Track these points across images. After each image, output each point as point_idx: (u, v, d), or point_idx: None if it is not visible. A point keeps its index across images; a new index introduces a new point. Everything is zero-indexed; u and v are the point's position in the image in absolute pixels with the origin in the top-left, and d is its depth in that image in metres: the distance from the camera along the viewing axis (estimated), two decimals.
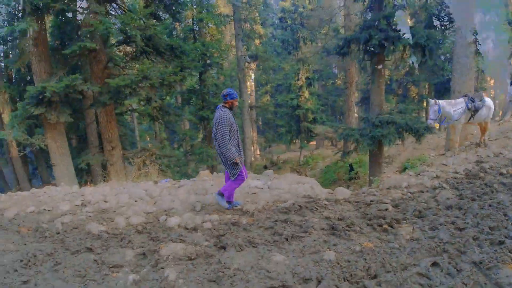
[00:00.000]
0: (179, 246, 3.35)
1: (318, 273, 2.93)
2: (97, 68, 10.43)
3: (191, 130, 20.60)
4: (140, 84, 9.71)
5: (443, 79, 17.59)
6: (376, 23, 11.59)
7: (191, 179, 7.32)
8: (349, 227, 3.95)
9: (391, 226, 3.92)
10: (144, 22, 10.51)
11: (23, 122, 9.25)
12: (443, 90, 16.91)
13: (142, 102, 11.01)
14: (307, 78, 21.38)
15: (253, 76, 28.02)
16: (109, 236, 3.76)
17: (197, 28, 16.80)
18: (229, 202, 4.88)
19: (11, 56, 12.81)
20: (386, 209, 4.46)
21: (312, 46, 22.14)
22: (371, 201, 4.89)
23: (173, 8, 11.51)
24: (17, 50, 10.93)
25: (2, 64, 14.14)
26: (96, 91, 9.92)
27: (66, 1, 8.36)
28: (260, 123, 33.53)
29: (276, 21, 26.55)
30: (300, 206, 4.73)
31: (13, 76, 14.31)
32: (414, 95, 23.08)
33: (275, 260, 3.19)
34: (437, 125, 8.90)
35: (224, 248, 3.48)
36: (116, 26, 9.96)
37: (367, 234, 3.81)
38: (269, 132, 27.87)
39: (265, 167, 22.07)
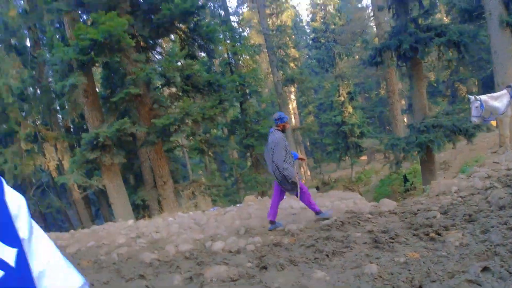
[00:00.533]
0: (223, 268, 3.52)
1: (359, 287, 2.92)
2: (144, 111, 11.34)
3: (239, 159, 21.14)
4: (183, 121, 10.38)
5: (489, 73, 16.52)
6: (404, 28, 11.42)
7: (237, 205, 7.54)
8: (393, 239, 3.85)
9: (439, 234, 3.76)
10: (182, 64, 11.38)
11: (81, 166, 10.24)
12: (492, 84, 15.89)
13: (187, 137, 11.68)
14: (348, 93, 21.21)
15: (293, 98, 28.35)
16: (159, 263, 4.05)
17: (233, 61, 17.64)
18: (317, 213, 5.07)
19: (66, 107, 14.37)
20: (434, 217, 4.28)
21: (348, 60, 22.08)
22: (418, 210, 4.71)
23: (207, 46, 12.27)
24: (70, 102, 12.30)
25: (60, 115, 15.88)
26: (144, 131, 10.73)
27: (108, 54, 9.35)
28: (308, 144, 33.45)
29: (310, 42, 26.97)
30: (342, 222, 4.71)
31: (70, 125, 15.99)
32: (464, 93, 21.78)
33: (316, 277, 3.22)
34: (494, 122, 8.36)
35: (265, 268, 3.58)
36: (158, 70, 10.84)
37: (412, 244, 3.69)
38: (317, 152, 27.65)
39: (317, 188, 21.74)
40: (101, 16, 8.91)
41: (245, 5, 21.81)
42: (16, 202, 0.61)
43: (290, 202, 6.50)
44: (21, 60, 13.07)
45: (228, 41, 17.20)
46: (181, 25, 11.58)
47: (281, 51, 20.02)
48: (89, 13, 11.21)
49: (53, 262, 0.60)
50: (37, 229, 0.63)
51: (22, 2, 14.47)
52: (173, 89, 12.46)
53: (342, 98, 21.10)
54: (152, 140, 10.67)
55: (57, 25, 13.64)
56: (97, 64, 11.56)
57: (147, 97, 11.26)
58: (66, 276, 0.60)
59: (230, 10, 19.89)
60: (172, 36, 13.12)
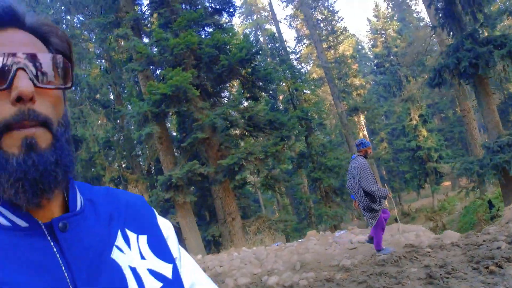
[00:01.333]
0: None
1: None
2: (212, 152, 12.31)
3: (311, 192, 21.10)
4: (247, 160, 11.04)
5: None
6: (461, 44, 10.85)
7: (299, 240, 7.69)
8: (449, 274, 3.71)
9: (500, 267, 3.54)
10: (244, 106, 12.29)
11: (158, 205, 11.36)
12: None
13: (253, 174, 12.28)
14: (420, 115, 20.18)
15: (364, 126, 27.77)
16: None
17: (295, 97, 18.26)
18: (378, 250, 5.01)
19: (142, 154, 16.15)
20: (498, 248, 4.00)
21: (416, 82, 21.21)
22: (484, 241, 4.42)
23: (266, 87, 13.06)
24: (147, 148, 13.86)
25: (140, 160, 17.84)
26: (212, 171, 11.61)
27: (177, 105, 10.58)
28: (384, 173, 31.93)
29: (374, 68, 26.63)
30: (398, 256, 4.62)
31: (150, 168, 17.83)
32: None
33: None
34: None
35: None
36: (221, 115, 11.82)
37: (469, 279, 3.53)
38: (395, 180, 26.21)
39: (396, 220, 20.48)
40: (169, 72, 10.27)
41: (303, 42, 22.71)
42: (166, 226, 0.71)
43: (350, 236, 6.48)
44: (105, 113, 15.24)
45: (289, 79, 17.97)
46: (241, 70, 12.61)
47: (342, 81, 20.12)
48: (159, 70, 12.94)
49: (199, 277, 0.68)
50: (182, 250, 0.71)
51: (104, 61, 17.07)
52: (238, 131, 13.36)
53: (414, 122, 20.11)
54: (219, 179, 11.48)
55: (136, 79, 15.82)
56: (170, 113, 13.05)
57: (214, 140, 12.26)
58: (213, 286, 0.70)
59: (289, 49, 20.82)
60: (234, 82, 14.28)
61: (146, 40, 13.72)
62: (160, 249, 0.64)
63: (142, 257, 0.60)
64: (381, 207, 4.90)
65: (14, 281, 0.45)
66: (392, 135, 26.86)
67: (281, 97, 19.69)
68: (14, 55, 0.48)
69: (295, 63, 19.90)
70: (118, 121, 16.06)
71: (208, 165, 11.83)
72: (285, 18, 22.59)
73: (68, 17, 15.50)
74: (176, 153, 13.60)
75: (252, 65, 12.20)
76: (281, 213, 24.69)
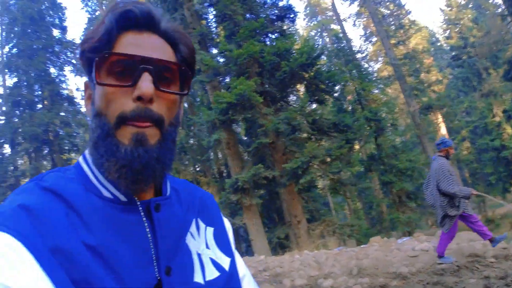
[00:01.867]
0: None
1: None
2: (277, 156, 12.74)
3: (384, 196, 20.34)
4: (310, 164, 11.26)
5: None
6: None
7: (362, 245, 7.70)
8: (508, 286, 3.57)
9: None
10: (307, 110, 12.53)
11: (226, 206, 12.12)
12: None
13: (319, 178, 12.44)
14: (504, 111, 18.16)
15: (442, 124, 25.81)
16: None
17: (362, 97, 17.83)
18: (440, 257, 4.85)
19: (211, 159, 17.20)
20: None
21: (498, 74, 19.08)
22: None
23: (330, 90, 13.09)
24: (216, 153, 14.77)
25: (212, 165, 19.00)
26: (277, 175, 12.04)
27: (242, 112, 11.23)
28: (467, 175, 29.23)
29: (451, 61, 24.59)
30: (458, 266, 4.50)
31: (218, 172, 18.91)
32: None
33: None
34: None
35: None
36: (285, 120, 12.18)
37: None
38: (479, 184, 23.89)
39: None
40: (233, 82, 10.96)
41: (369, 40, 21.97)
42: (228, 224, 0.77)
43: (414, 243, 6.38)
44: (181, 125, 16.71)
45: (355, 79, 17.63)
46: (304, 74, 12.82)
47: (414, 78, 19.00)
48: (225, 80, 13.78)
49: (247, 273, 0.74)
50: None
51: None
52: (302, 134, 13.61)
53: (497, 118, 18.19)
54: (284, 182, 11.87)
55: (205, 89, 17.01)
56: (239, 119, 13.82)
57: (279, 144, 12.68)
58: (254, 284, 0.76)
59: (356, 48, 20.35)
60: (299, 86, 14.53)
61: (215, 50, 14.79)
62: (223, 242, 0.71)
63: (207, 246, 0.67)
64: (459, 212, 4.54)
65: (110, 247, 0.52)
66: (474, 133, 24.51)
67: (350, 97, 19.34)
68: (144, 57, 0.55)
69: (363, 62, 19.35)
70: (192, 127, 17.43)
71: (273, 168, 12.29)
72: (349, 17, 22.08)
73: None
74: (244, 157, 14.35)
75: (314, 68, 12.35)
76: (352, 217, 24.16)
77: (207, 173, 18.27)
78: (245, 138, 18.65)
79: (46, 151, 22.04)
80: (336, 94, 17.42)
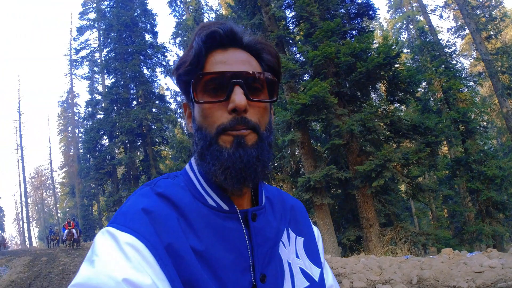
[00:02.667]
0: None
1: None
2: (352, 157, 12.77)
3: (467, 205, 18.86)
4: (384, 167, 11.12)
5: None
6: None
7: (431, 256, 7.56)
8: None
9: None
10: (384, 111, 12.32)
11: None
12: None
13: (387, 182, 12.19)
14: None
15: None
16: None
17: (450, 96, 16.69)
18: None
19: (285, 157, 17.67)
20: None
21: None
22: None
23: (410, 90, 12.63)
24: (289, 152, 15.21)
25: (287, 162, 19.51)
26: (350, 176, 12.12)
27: (316, 113, 11.51)
28: None
29: None
30: None
31: (294, 170, 19.37)
32: None
33: None
34: None
35: None
36: (359, 121, 12.15)
37: None
38: None
39: None
40: (308, 83, 11.32)
41: (457, 34, 20.18)
42: (317, 234, 0.80)
43: (483, 259, 6.17)
44: None
45: (441, 76, 16.56)
46: (382, 74, 12.57)
47: (508, 75, 17.00)
48: (302, 80, 14.15)
49: (334, 282, 0.77)
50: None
51: None
52: (379, 136, 13.37)
53: None
54: (356, 184, 11.92)
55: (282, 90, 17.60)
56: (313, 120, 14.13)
57: (353, 145, 12.69)
58: None
59: (443, 42, 18.95)
60: (380, 85, 14.21)
61: (294, 49, 15.24)
62: (312, 253, 0.73)
63: (297, 256, 0.69)
64: None
65: (214, 253, 0.58)
66: None
67: (439, 95, 18.16)
68: (233, 72, 0.61)
69: (451, 57, 17.96)
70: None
71: (346, 170, 12.39)
72: (435, 8, 20.60)
73: None
74: (320, 156, 14.64)
75: (393, 68, 12.04)
76: (433, 225, 22.68)
77: (282, 170, 18.91)
78: (323, 136, 18.82)
79: (139, 143, 24.91)
80: (419, 93, 16.62)
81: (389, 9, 28.79)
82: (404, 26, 27.38)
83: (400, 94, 13.06)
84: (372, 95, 14.65)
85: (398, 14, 27.83)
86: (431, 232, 12.33)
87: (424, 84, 17.48)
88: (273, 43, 13.34)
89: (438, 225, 21.91)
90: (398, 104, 14.30)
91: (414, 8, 23.90)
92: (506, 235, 15.01)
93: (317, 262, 0.73)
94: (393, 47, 11.89)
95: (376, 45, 13.50)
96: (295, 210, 0.78)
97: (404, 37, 28.23)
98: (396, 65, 12.15)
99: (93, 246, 0.54)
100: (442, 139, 12.91)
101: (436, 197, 19.25)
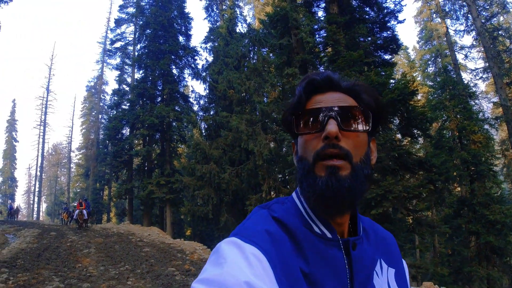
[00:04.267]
0: None
1: None
2: None
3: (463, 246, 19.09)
4: (384, 197, 11.75)
5: None
6: None
7: (412, 287, 8.16)
8: None
9: None
10: (392, 144, 12.94)
11: None
12: None
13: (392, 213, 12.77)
14: None
15: None
16: None
17: (463, 137, 17.12)
18: None
19: (292, 174, 18.44)
20: None
21: None
22: None
23: (421, 126, 13.21)
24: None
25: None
26: None
27: None
28: None
29: None
30: None
31: (295, 187, 20.13)
32: None
33: None
34: None
35: None
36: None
37: None
38: None
39: None
40: None
41: (481, 76, 20.49)
42: (406, 265, 0.85)
43: None
44: (272, 135, 18.33)
45: (457, 116, 17.02)
46: (397, 108, 13.15)
47: None
48: None
49: None
50: None
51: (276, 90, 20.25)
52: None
53: None
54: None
55: None
56: None
57: None
58: None
59: (467, 81, 19.39)
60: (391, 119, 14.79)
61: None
62: (402, 284, 0.78)
63: (389, 286, 0.74)
64: None
65: (320, 277, 0.64)
66: None
67: (453, 134, 18.56)
68: (328, 108, 0.68)
69: (471, 98, 18.38)
70: (285, 143, 19.07)
71: None
72: (460, 49, 21.02)
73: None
74: None
75: (407, 104, 12.63)
76: (435, 261, 22.81)
77: (290, 184, 19.63)
78: None
79: (158, 137, 25.99)
80: (433, 130, 17.05)
81: (419, 39, 29.23)
82: (433, 59, 27.78)
83: (412, 129, 13.64)
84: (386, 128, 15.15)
85: (428, 47, 28.26)
86: (423, 265, 12.81)
87: (440, 121, 17.96)
88: (296, 65, 14.21)
89: (439, 261, 22.08)
90: (409, 139, 14.83)
91: (444, 43, 24.34)
92: (503, 281, 15.25)
93: None
94: (409, 84, 12.54)
95: (395, 79, 14.09)
96: (387, 241, 0.82)
97: (431, 69, 28.63)
98: (411, 102, 12.73)
99: (218, 251, 0.61)
100: (447, 178, 13.37)
101: (442, 234, 19.52)
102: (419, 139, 15.31)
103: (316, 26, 14.89)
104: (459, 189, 20.26)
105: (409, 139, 15.06)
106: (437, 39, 26.10)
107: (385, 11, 14.52)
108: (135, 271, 8.83)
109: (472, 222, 15.60)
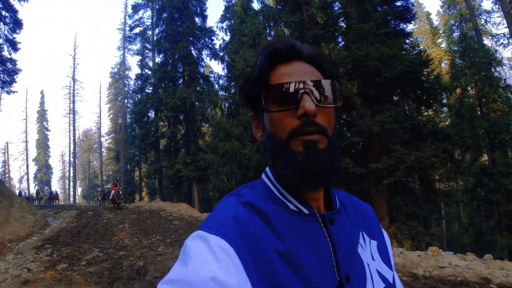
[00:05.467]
0: None
1: None
2: (372, 154, 13.86)
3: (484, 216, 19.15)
4: (396, 167, 12.22)
5: None
6: None
7: (417, 251, 8.77)
8: None
9: None
10: (404, 114, 13.24)
11: None
12: None
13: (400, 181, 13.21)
14: None
15: None
16: None
17: (483, 105, 17.02)
18: None
19: None
20: None
21: None
22: None
23: (435, 97, 13.36)
24: None
25: None
26: (364, 172, 13.32)
27: (341, 112, 12.72)
28: None
29: None
30: None
31: None
32: None
33: None
34: None
35: None
36: (378, 123, 13.17)
37: None
38: None
39: None
40: None
41: (502, 43, 19.81)
42: (387, 237, 0.83)
43: (453, 258, 7.24)
44: None
45: (478, 84, 16.86)
46: (410, 79, 13.32)
47: None
48: None
49: (400, 285, 0.79)
50: None
51: None
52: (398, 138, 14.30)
53: None
54: (370, 180, 13.13)
55: None
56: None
57: (374, 144, 13.74)
58: None
59: (492, 45, 18.95)
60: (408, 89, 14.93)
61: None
62: (385, 256, 0.79)
63: (373, 258, 0.75)
64: None
65: (298, 254, 0.63)
66: None
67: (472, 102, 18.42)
68: (303, 82, 0.66)
69: (490, 65, 18.03)
70: None
71: (363, 166, 13.57)
72: (480, 15, 20.37)
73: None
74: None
75: (420, 75, 12.78)
76: (460, 231, 23.08)
77: None
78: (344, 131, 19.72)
79: (182, 118, 27.14)
80: (454, 99, 17.01)
81: (443, 4, 28.31)
82: (457, 24, 26.97)
83: (427, 100, 13.83)
84: (399, 99, 15.30)
85: (452, 11, 27.40)
86: (438, 233, 13.29)
87: (460, 89, 17.87)
88: (309, 40, 14.55)
89: (463, 232, 22.31)
90: (425, 109, 14.98)
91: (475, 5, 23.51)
92: None
93: (389, 265, 0.78)
94: (422, 55, 12.67)
95: (410, 50, 14.12)
96: (367, 213, 0.83)
97: (456, 35, 27.80)
98: (426, 71, 12.83)
99: (185, 248, 0.61)
100: (466, 147, 13.55)
101: (466, 205, 19.68)
102: (443, 108, 15.39)
103: (328, 1, 15.01)
104: (485, 157, 20.20)
105: (425, 109, 15.22)
106: (460, 2, 25.25)
107: None
108: (165, 240, 9.92)
109: (492, 192, 15.73)
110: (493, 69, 17.54)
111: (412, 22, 15.78)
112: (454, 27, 27.50)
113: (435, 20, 33.14)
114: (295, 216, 0.68)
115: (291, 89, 0.66)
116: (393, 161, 12.09)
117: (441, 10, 29.89)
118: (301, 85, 0.66)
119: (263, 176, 0.76)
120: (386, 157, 12.55)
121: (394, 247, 10.57)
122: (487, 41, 22.12)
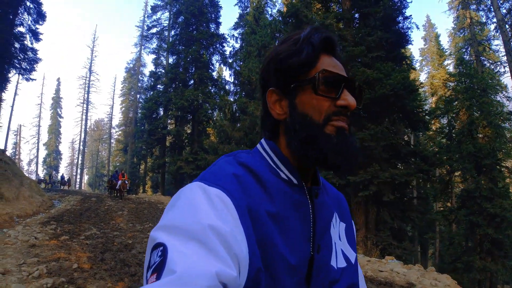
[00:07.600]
0: None
1: None
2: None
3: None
4: (371, 182, 13.69)
5: None
6: None
7: (375, 259, 10.24)
8: None
9: None
10: (392, 133, 14.60)
11: None
12: None
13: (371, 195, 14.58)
14: None
15: None
16: None
17: (474, 130, 18.14)
18: None
19: None
20: None
21: None
22: None
23: (422, 119, 14.74)
24: None
25: None
26: (343, 183, 14.79)
27: None
28: None
29: None
30: None
31: None
32: None
33: None
34: None
35: None
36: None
37: None
38: None
39: None
40: None
41: (496, 70, 20.74)
42: (354, 223, 0.94)
43: (396, 266, 8.65)
44: None
45: (471, 109, 18.01)
46: (393, 101, 14.66)
47: None
48: None
49: (360, 270, 0.88)
50: None
51: None
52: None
53: None
54: (348, 191, 14.62)
55: None
56: None
57: None
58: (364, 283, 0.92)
59: (486, 73, 20.12)
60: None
61: None
62: (351, 239, 0.87)
63: (339, 239, 0.83)
64: None
65: (286, 217, 0.70)
66: None
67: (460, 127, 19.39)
68: (346, 78, 0.74)
69: (484, 92, 19.17)
70: None
71: (343, 178, 15.02)
72: (482, 41, 21.43)
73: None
74: None
75: (402, 99, 14.12)
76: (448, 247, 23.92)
77: None
78: None
79: (189, 118, 29.08)
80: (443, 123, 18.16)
81: (454, 26, 29.42)
82: (466, 46, 28.08)
83: (410, 121, 15.19)
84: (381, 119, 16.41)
85: (463, 34, 28.55)
86: (411, 249, 14.54)
87: (452, 114, 19.12)
88: None
89: (452, 248, 23.17)
90: (411, 130, 16.32)
91: (478, 31, 24.65)
92: (499, 274, 16.22)
93: (354, 248, 0.86)
94: (404, 81, 14.04)
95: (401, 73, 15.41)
96: (340, 199, 0.92)
97: (466, 57, 28.87)
98: (411, 98, 14.12)
99: (180, 196, 0.63)
100: (451, 169, 14.67)
101: (458, 224, 20.61)
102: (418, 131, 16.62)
103: (329, 21, 16.47)
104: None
105: (411, 130, 16.55)
106: (467, 27, 26.41)
107: (393, 7, 15.76)
108: None
109: (474, 214, 16.73)
110: (493, 96, 18.52)
111: (404, 48, 17.05)
112: (463, 50, 28.59)
113: (447, 42, 34.16)
114: (285, 184, 0.74)
115: (337, 80, 0.73)
116: (369, 176, 13.55)
117: (452, 31, 31.00)
118: (346, 80, 0.74)
119: (259, 146, 0.81)
120: (363, 171, 13.98)
121: (360, 254, 12.06)
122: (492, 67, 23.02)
